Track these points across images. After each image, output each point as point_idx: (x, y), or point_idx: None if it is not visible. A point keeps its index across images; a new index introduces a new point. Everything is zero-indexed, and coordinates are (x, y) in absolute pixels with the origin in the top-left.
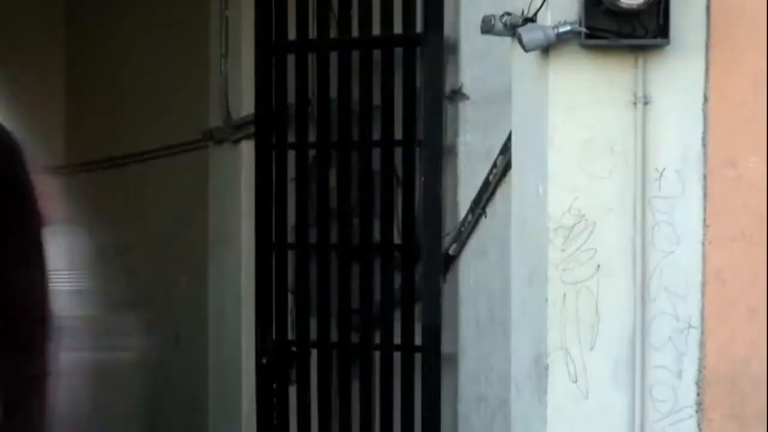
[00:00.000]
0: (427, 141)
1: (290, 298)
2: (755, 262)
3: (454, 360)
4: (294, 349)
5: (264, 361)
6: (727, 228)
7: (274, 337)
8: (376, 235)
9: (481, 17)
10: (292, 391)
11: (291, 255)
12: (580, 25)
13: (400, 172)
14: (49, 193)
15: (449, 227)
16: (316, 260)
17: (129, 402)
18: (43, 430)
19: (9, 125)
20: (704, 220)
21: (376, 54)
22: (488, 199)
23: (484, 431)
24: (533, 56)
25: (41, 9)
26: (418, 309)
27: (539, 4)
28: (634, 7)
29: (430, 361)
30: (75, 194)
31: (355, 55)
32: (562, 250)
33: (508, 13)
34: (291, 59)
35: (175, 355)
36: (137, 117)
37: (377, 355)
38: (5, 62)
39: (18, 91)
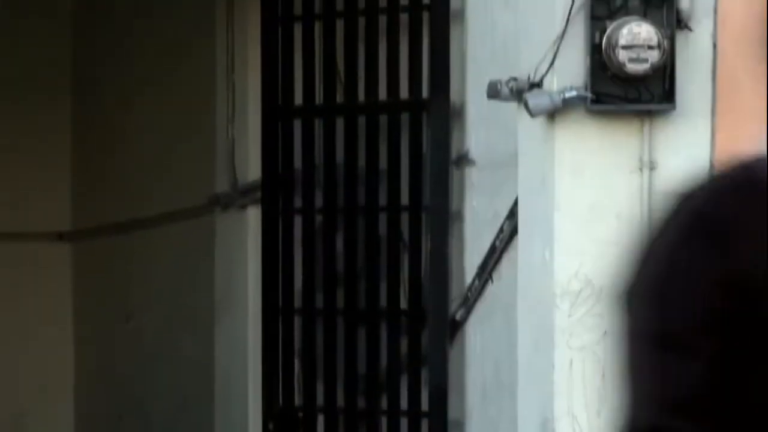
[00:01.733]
0: (433, 206)
1: (297, 362)
2: None
3: (460, 425)
4: (301, 414)
5: (271, 426)
6: None
7: (280, 402)
8: (383, 299)
9: (487, 82)
10: None
11: (298, 320)
12: (586, 90)
13: (406, 237)
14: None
15: (456, 292)
16: (323, 325)
17: None
18: None
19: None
20: None
21: (383, 119)
22: (495, 264)
23: None
24: (539, 121)
25: (48, 73)
26: (424, 374)
27: (545, 70)
28: (640, 72)
29: (437, 426)
30: (81, 260)
31: (362, 120)
32: (569, 316)
33: (514, 79)
34: (297, 124)
35: (181, 420)
36: (143, 182)
37: (384, 420)
38: (11, 127)
39: (23, 156)
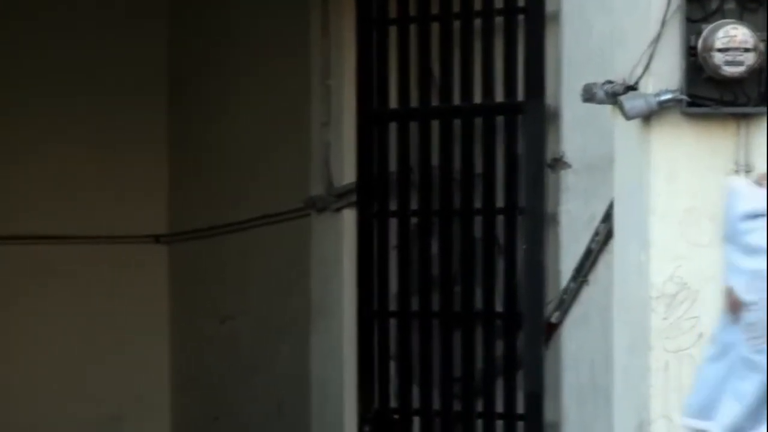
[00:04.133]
0: (528, 209)
1: (392, 365)
2: None
3: (556, 428)
4: (396, 416)
5: (366, 429)
6: None
7: (376, 405)
8: (478, 302)
9: (582, 85)
10: None
11: (393, 323)
12: (681, 93)
13: (501, 240)
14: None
15: (551, 295)
16: (418, 328)
17: None
18: None
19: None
20: None
21: (478, 122)
22: (590, 267)
23: None
24: (635, 124)
25: (144, 79)
26: (520, 377)
27: (641, 72)
28: (736, 75)
29: (533, 429)
30: (177, 263)
31: (457, 123)
32: (665, 319)
33: (610, 82)
34: (393, 127)
35: (277, 422)
36: (239, 185)
37: (480, 423)
38: (108, 132)
39: (121, 161)
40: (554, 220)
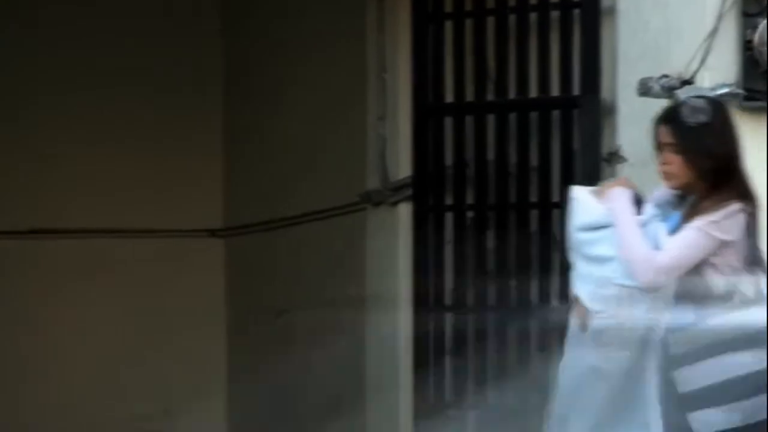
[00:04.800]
0: None
1: (448, 360)
2: None
3: None
4: (451, 411)
5: (421, 423)
6: None
7: (431, 400)
8: (534, 296)
9: (638, 80)
10: None
11: (448, 317)
12: (737, 87)
13: (557, 234)
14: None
15: None
16: (474, 321)
17: None
18: None
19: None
20: None
21: (534, 116)
22: None
23: None
24: None
25: (199, 72)
26: None
27: (697, 67)
28: None
29: None
30: (233, 256)
31: (513, 117)
32: None
33: (666, 76)
34: (448, 121)
35: (333, 415)
36: (294, 179)
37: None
38: (164, 126)
39: (176, 155)
40: None
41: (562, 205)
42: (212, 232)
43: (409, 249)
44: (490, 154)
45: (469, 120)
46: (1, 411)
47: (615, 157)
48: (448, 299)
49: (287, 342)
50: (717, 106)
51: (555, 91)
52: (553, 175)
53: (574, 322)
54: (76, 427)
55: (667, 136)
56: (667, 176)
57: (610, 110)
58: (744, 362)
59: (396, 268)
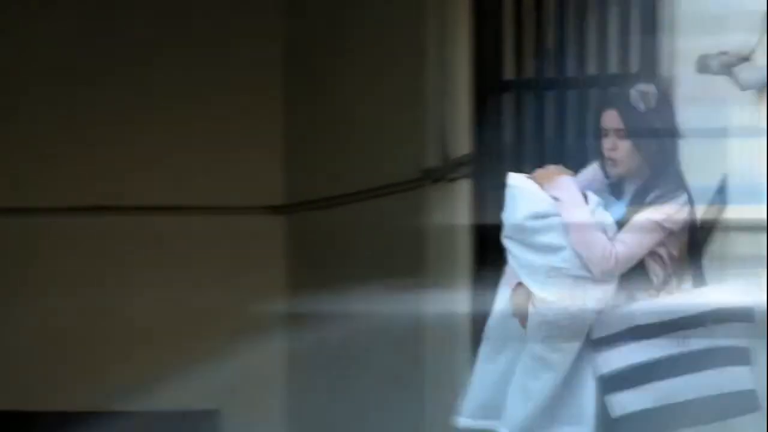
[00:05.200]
0: None
1: None
2: None
3: None
4: None
5: None
6: None
7: None
8: None
9: (696, 56)
10: None
11: None
12: None
13: None
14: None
15: None
16: None
17: None
18: None
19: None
20: None
21: (593, 93)
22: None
23: None
24: (749, 95)
25: (260, 49)
26: None
27: (755, 43)
28: None
29: None
30: (294, 233)
31: (572, 94)
32: None
33: (724, 53)
34: (508, 98)
35: (392, 396)
36: (354, 155)
37: None
38: (224, 103)
39: (237, 131)
40: None
41: None
42: (273, 209)
43: (467, 226)
44: (549, 131)
45: (528, 97)
46: (63, 381)
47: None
48: None
49: (347, 321)
50: (663, 93)
51: (614, 68)
52: None
53: (511, 309)
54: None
55: (615, 121)
56: (613, 162)
57: (669, 87)
58: (660, 346)
59: (455, 245)
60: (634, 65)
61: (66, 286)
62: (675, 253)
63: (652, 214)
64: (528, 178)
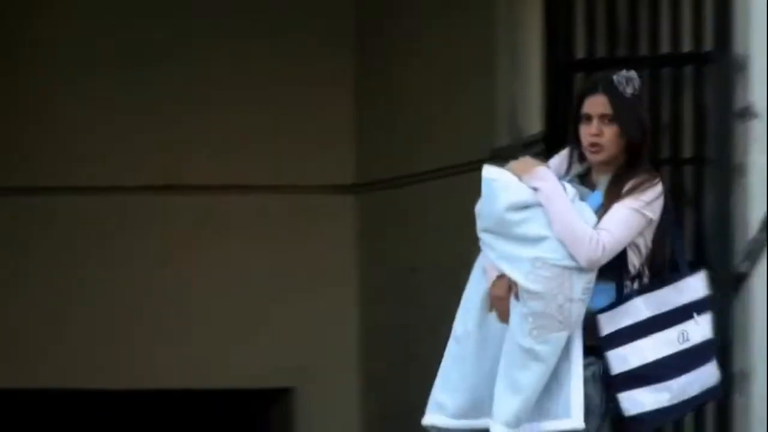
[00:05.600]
0: (716, 159)
1: None
2: None
3: (745, 378)
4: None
5: None
6: None
7: None
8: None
9: None
10: None
11: None
12: None
13: (689, 191)
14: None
15: (739, 245)
16: None
17: None
18: None
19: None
20: None
21: (665, 72)
22: None
23: None
24: None
25: (331, 26)
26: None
27: None
28: None
29: (722, 378)
30: (364, 212)
31: (644, 73)
32: None
33: None
34: (579, 77)
35: None
36: (425, 135)
37: None
38: (296, 82)
39: (308, 110)
40: (742, 170)
41: (694, 161)
42: (344, 188)
43: None
44: None
45: None
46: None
47: (747, 112)
48: None
49: (417, 298)
50: (640, 79)
51: (687, 46)
52: (685, 131)
53: (490, 303)
54: (210, 379)
55: (602, 107)
56: (598, 148)
57: (743, 65)
58: (667, 341)
59: None
60: (708, 43)
61: (137, 266)
62: (650, 243)
63: (632, 203)
64: (505, 169)
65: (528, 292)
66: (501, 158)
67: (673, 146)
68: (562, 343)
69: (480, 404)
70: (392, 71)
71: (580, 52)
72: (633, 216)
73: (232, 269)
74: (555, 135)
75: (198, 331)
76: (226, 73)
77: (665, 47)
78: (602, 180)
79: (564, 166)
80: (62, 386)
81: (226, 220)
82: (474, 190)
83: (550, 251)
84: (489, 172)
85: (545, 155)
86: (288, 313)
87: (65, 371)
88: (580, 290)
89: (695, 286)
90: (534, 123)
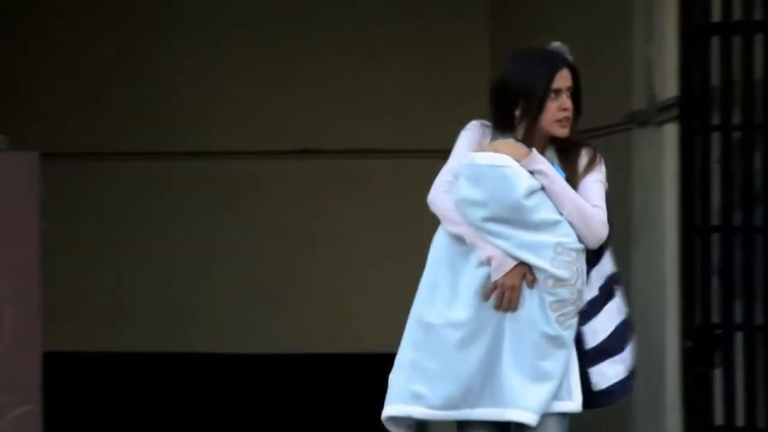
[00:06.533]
0: None
1: (715, 280)
2: None
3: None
4: (719, 332)
5: (688, 343)
6: None
7: (698, 320)
8: None
9: None
10: (718, 374)
11: (715, 237)
12: None
13: None
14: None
15: None
16: (741, 242)
17: None
18: None
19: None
20: None
21: None
22: None
23: None
24: None
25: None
26: None
27: None
28: None
29: None
30: None
31: None
32: None
33: None
34: (715, 41)
35: None
36: None
37: None
38: (426, 50)
39: (439, 74)
40: None
41: None
42: None
43: (675, 169)
44: (757, 74)
45: (736, 40)
46: (254, 325)
47: None
48: (714, 219)
49: None
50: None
51: None
52: None
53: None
54: (345, 343)
55: (569, 80)
56: (566, 123)
57: None
58: (618, 312)
59: (662, 188)
60: None
61: (271, 228)
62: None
63: (599, 176)
64: (502, 154)
65: (556, 279)
66: (636, 123)
67: None
68: (576, 326)
69: (469, 394)
70: (527, 37)
71: (716, 15)
72: (602, 189)
73: (362, 233)
74: (690, 99)
75: (328, 294)
76: (360, 42)
77: None
78: (548, 155)
79: (477, 141)
80: (211, 350)
81: (356, 184)
82: (610, 154)
83: (566, 235)
84: (494, 158)
85: (681, 120)
86: (413, 277)
87: (213, 335)
88: (585, 272)
89: (609, 256)
90: (669, 87)
